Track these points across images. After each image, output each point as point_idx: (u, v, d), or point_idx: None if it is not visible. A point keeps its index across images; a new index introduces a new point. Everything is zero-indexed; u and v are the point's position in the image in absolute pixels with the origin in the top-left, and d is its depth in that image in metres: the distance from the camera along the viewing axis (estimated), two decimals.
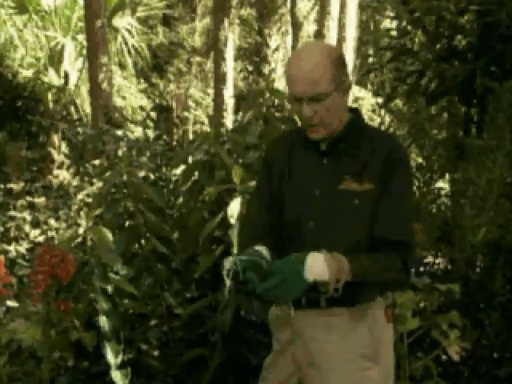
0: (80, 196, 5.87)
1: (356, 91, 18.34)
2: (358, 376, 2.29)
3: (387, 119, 6.94)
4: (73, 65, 14.92)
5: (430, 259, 4.19)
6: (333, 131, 2.32)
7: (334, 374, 2.29)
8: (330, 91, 2.24)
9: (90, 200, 5.68)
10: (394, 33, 6.29)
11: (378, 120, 8.45)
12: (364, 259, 2.23)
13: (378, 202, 2.27)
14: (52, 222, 5.67)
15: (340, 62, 2.29)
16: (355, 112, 2.41)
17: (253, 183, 3.33)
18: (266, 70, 19.18)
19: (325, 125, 2.29)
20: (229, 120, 14.35)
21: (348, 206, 2.28)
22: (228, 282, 2.30)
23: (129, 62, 16.38)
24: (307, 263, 2.13)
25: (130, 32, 15.96)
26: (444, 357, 3.63)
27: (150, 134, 6.28)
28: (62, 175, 6.73)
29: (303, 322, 2.34)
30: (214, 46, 15.89)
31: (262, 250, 2.25)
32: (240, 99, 17.21)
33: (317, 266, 2.13)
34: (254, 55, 19.79)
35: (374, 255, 2.25)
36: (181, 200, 4.09)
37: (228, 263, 2.22)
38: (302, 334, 2.34)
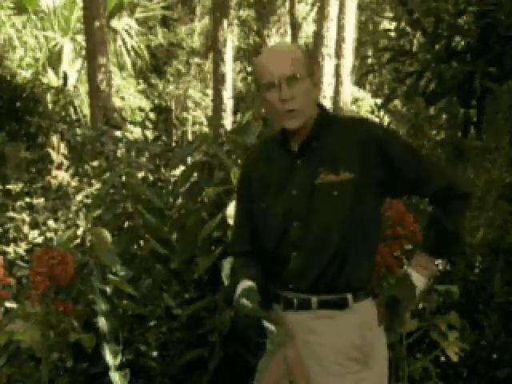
0: (79, 197, 5.87)
1: (355, 92, 18.36)
2: (348, 379, 2.28)
3: (386, 120, 6.94)
4: (72, 65, 14.94)
5: None
6: (306, 123, 2.31)
7: (323, 377, 2.28)
8: (305, 75, 2.27)
9: (88, 201, 5.69)
10: (392, 34, 6.30)
11: (377, 121, 8.46)
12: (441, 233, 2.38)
13: (400, 176, 2.31)
14: (51, 222, 5.67)
15: (310, 54, 2.35)
16: (321, 108, 2.41)
17: None
18: None
19: (302, 111, 2.28)
20: (228, 121, 14.36)
21: (328, 199, 2.26)
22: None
23: (128, 62, 16.41)
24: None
25: (128, 33, 16.00)
26: (443, 358, 3.63)
27: (149, 134, 6.28)
28: (61, 176, 6.73)
29: (295, 323, 2.33)
30: (212, 46, 15.91)
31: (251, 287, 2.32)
32: (239, 100, 17.22)
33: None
34: (252, 56, 19.79)
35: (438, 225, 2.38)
36: (180, 201, 4.09)
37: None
38: (293, 336, 2.34)
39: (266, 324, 2.27)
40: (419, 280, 2.40)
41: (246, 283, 2.33)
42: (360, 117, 2.66)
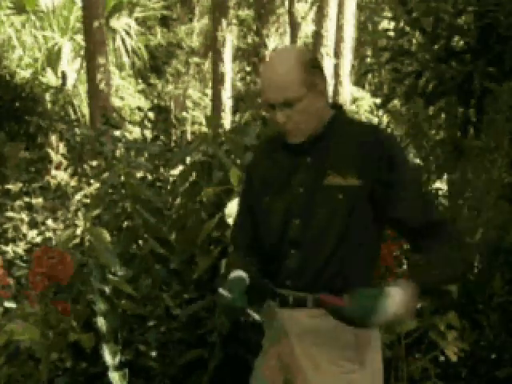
0: (78, 197, 5.87)
1: (354, 91, 18.37)
2: (342, 379, 2.27)
3: (385, 120, 6.94)
4: (71, 65, 14.94)
5: None
6: (312, 132, 2.30)
7: (318, 376, 2.28)
8: (301, 95, 2.23)
9: (87, 201, 5.69)
10: (392, 33, 6.29)
11: (376, 121, 8.46)
12: (424, 266, 2.20)
13: (388, 198, 2.23)
14: (50, 222, 5.66)
15: (311, 64, 2.27)
16: (338, 108, 2.39)
17: None
18: None
19: (300, 129, 2.27)
20: (227, 120, 14.36)
21: (332, 201, 2.25)
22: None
23: (127, 62, 16.42)
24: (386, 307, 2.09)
25: (127, 33, 16.00)
26: (442, 358, 3.63)
27: (148, 134, 6.27)
28: (60, 176, 6.72)
29: (290, 321, 2.33)
30: (212, 46, 15.92)
31: (241, 277, 2.31)
32: (238, 100, 17.22)
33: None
34: (252, 56, 19.80)
35: (428, 256, 2.21)
36: (179, 201, 4.09)
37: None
38: (288, 333, 2.34)
39: (250, 312, 2.25)
40: (393, 299, 2.07)
41: (233, 274, 2.34)
42: (376, 126, 2.60)
